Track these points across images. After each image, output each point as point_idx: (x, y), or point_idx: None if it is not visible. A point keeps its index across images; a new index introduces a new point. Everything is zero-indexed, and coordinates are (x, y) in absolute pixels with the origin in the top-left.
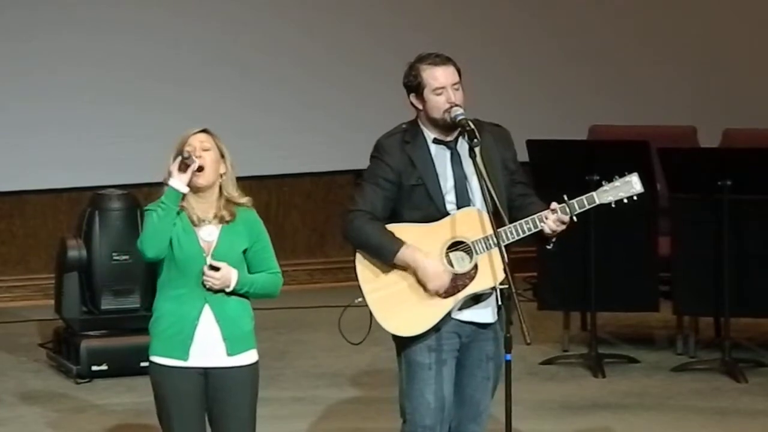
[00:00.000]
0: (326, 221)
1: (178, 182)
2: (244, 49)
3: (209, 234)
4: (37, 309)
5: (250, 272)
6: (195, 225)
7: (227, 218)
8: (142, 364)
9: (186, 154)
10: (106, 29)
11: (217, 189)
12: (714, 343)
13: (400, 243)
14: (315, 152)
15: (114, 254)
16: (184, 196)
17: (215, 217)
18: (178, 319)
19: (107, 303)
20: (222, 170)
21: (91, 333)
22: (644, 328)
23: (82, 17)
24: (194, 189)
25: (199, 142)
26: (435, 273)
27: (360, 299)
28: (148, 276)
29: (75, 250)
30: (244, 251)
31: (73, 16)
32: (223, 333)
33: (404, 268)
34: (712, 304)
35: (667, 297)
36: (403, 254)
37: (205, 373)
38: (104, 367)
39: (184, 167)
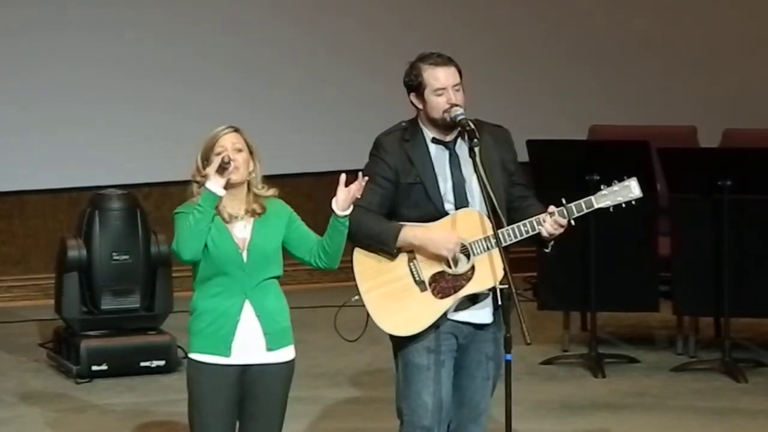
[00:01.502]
0: (326, 221)
1: (216, 186)
2: (244, 50)
3: (242, 230)
4: (37, 309)
5: (299, 248)
6: (227, 222)
7: (259, 211)
8: (142, 363)
9: (226, 159)
10: (107, 29)
11: (245, 186)
12: (714, 343)
13: (399, 226)
14: (315, 152)
15: (114, 254)
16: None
17: (247, 212)
18: (219, 315)
19: (107, 303)
20: (251, 167)
21: (91, 333)
22: (644, 328)
23: (82, 17)
24: (226, 186)
25: (231, 143)
26: (443, 238)
27: (356, 297)
28: (148, 276)
29: (75, 250)
30: (282, 241)
31: (73, 16)
32: (263, 328)
33: (401, 266)
34: (712, 304)
35: (667, 297)
36: (405, 235)
37: (244, 369)
38: (104, 367)
39: (221, 170)
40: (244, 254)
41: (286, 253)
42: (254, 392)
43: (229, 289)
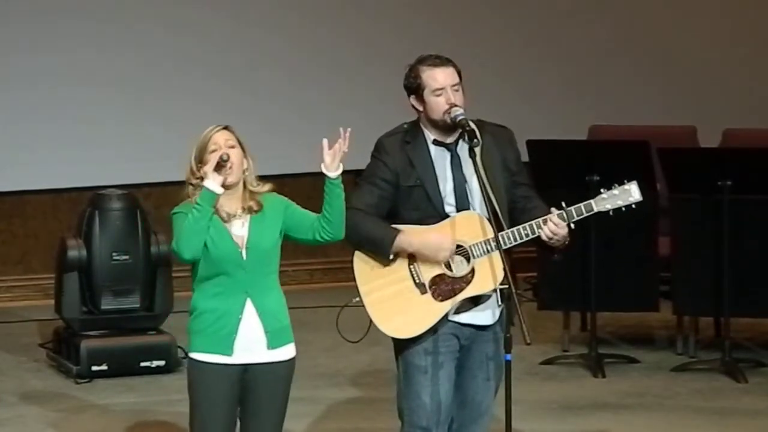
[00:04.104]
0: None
1: (214, 184)
2: (247, 51)
3: (240, 228)
4: (37, 309)
5: (300, 230)
6: (225, 221)
7: (255, 208)
8: (142, 363)
9: (225, 158)
10: (108, 29)
11: (241, 184)
12: (714, 343)
13: (396, 231)
14: (315, 152)
15: (114, 254)
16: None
17: (243, 209)
18: (221, 315)
19: (107, 303)
20: (245, 165)
21: (91, 333)
22: (644, 328)
23: (81, 17)
24: (223, 185)
25: (224, 140)
26: (437, 242)
27: (357, 299)
28: (148, 276)
29: (75, 250)
30: (284, 230)
31: (73, 17)
32: (264, 326)
33: (402, 268)
34: (712, 304)
35: (667, 297)
36: (400, 241)
37: (245, 368)
38: (104, 367)
39: (218, 168)
40: (244, 252)
41: (292, 243)
42: (256, 391)
43: (230, 288)
